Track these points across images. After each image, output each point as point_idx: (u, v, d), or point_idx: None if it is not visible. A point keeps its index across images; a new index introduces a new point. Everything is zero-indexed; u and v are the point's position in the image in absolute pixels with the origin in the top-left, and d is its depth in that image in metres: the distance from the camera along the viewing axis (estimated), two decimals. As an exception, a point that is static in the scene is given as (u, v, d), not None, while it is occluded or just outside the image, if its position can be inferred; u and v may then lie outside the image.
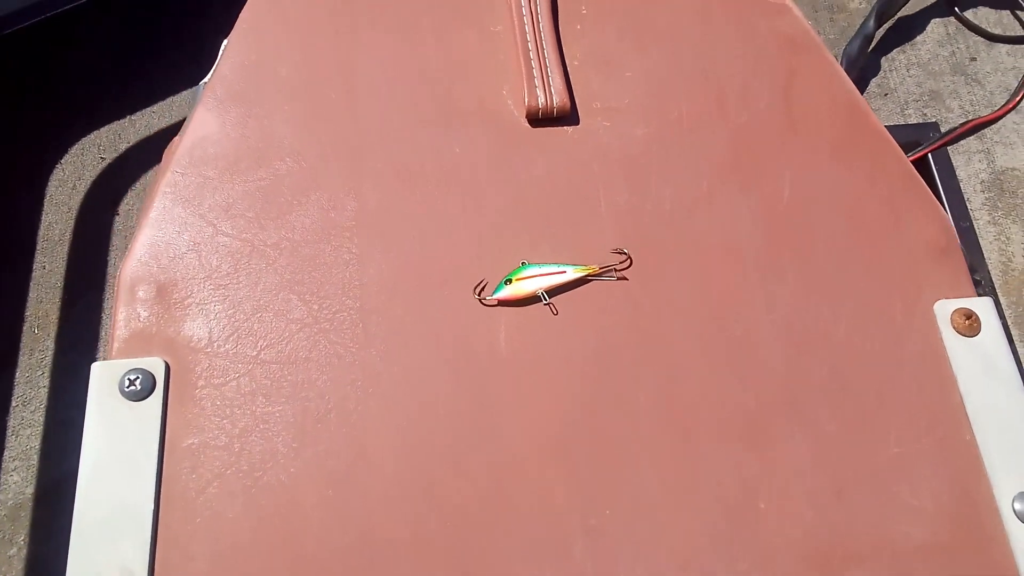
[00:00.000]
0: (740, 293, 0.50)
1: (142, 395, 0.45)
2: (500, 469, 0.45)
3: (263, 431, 0.45)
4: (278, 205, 0.51)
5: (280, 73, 0.55)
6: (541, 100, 0.53)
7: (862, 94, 1.49)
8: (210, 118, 0.53)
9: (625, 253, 0.51)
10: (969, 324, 0.49)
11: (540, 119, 0.54)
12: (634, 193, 0.53)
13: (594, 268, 0.50)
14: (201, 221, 0.50)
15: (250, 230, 0.50)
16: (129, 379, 0.45)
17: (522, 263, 0.50)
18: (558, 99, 0.54)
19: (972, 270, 1.18)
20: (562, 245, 0.51)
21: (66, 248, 1.25)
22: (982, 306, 0.50)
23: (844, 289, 0.51)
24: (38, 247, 1.25)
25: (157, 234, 0.49)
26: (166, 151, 0.57)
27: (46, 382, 1.17)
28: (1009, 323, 1.29)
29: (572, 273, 0.49)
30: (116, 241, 1.25)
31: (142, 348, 0.46)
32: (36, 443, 1.13)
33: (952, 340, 0.49)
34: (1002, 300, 1.31)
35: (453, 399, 0.47)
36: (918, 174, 0.54)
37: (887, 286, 0.51)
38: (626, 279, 0.50)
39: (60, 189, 1.28)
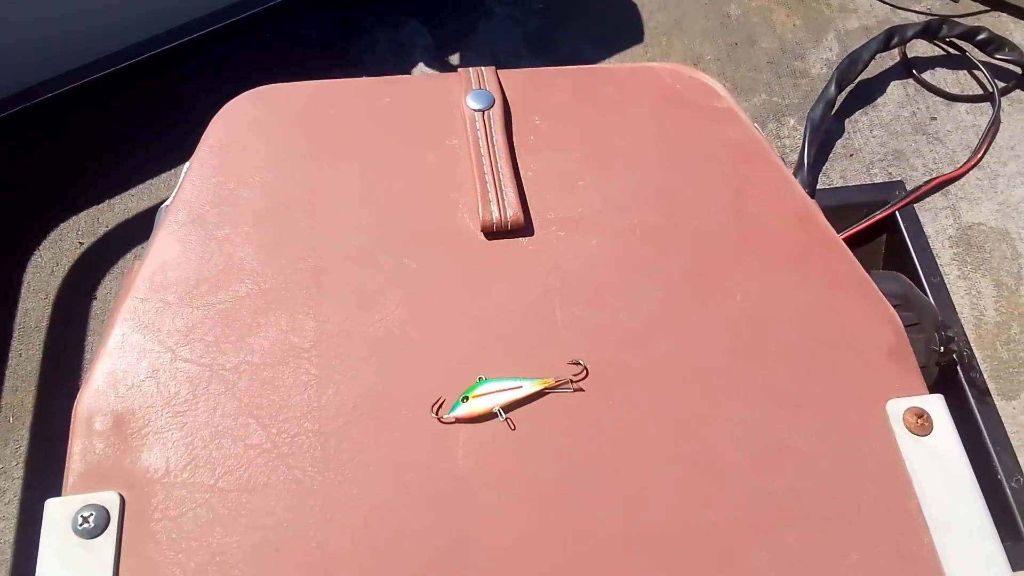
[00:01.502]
0: (698, 407, 0.51)
1: (95, 532, 0.45)
2: None
3: (220, 564, 0.45)
4: (237, 328, 0.51)
5: (241, 196, 0.56)
6: (495, 214, 0.55)
7: (828, 155, 1.53)
8: (171, 242, 0.54)
9: (581, 364, 0.51)
10: (921, 423, 0.50)
11: (495, 232, 0.55)
12: (590, 305, 0.54)
13: (550, 381, 0.51)
14: (160, 347, 0.50)
15: (209, 354, 0.51)
16: (83, 516, 0.45)
17: (479, 379, 0.51)
18: (511, 212, 0.55)
19: (945, 326, 1.20)
20: (520, 360, 0.52)
21: (43, 335, 1.24)
22: (933, 404, 0.51)
23: (801, 400, 0.51)
24: (14, 334, 1.25)
25: (115, 362, 0.50)
26: (126, 277, 0.57)
27: (20, 473, 1.16)
28: (985, 377, 1.30)
29: (529, 387, 0.50)
30: (94, 326, 1.25)
31: (97, 482, 0.46)
32: (9, 536, 1.11)
33: (906, 441, 0.50)
34: (977, 354, 1.33)
35: (412, 521, 0.47)
36: (867, 275, 0.56)
37: (842, 393, 0.52)
38: (583, 390, 0.51)
39: (37, 275, 1.29)
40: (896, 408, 0.51)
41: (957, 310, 1.33)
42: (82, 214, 1.33)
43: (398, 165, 0.58)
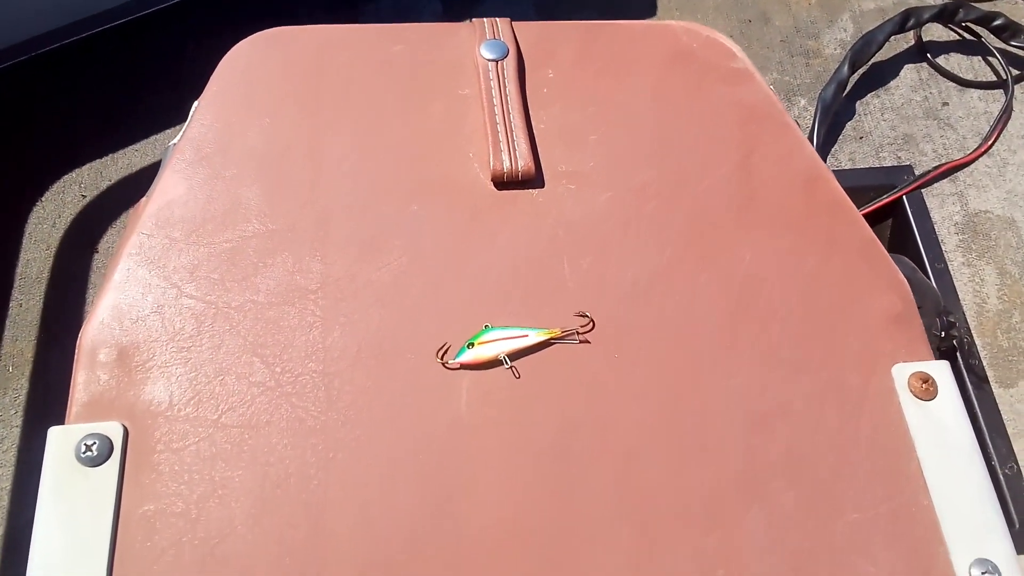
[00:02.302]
0: (697, 365, 0.51)
1: (98, 461, 0.45)
2: (457, 542, 0.45)
3: (221, 497, 0.45)
4: (243, 267, 0.51)
5: (248, 139, 0.56)
6: (506, 164, 0.54)
7: (837, 137, 1.52)
8: (178, 180, 0.53)
9: (588, 316, 0.51)
10: (926, 388, 0.50)
11: (505, 183, 0.55)
12: (597, 259, 0.53)
13: (557, 332, 0.50)
14: (165, 283, 0.50)
15: (215, 292, 0.50)
16: (86, 444, 0.45)
17: (485, 326, 0.50)
18: (523, 162, 0.54)
19: (947, 312, 1.20)
20: (526, 309, 0.51)
21: (43, 286, 1.24)
22: (938, 369, 0.51)
23: (802, 362, 0.51)
24: (15, 284, 1.24)
25: (120, 296, 0.50)
26: (132, 212, 0.57)
27: (19, 421, 1.16)
28: (984, 364, 1.31)
29: (535, 336, 0.50)
30: (95, 279, 1.25)
31: (101, 412, 0.46)
32: (7, 484, 1.12)
33: (909, 404, 0.50)
34: (977, 341, 1.33)
35: (414, 465, 0.47)
36: (877, 239, 0.55)
37: (844, 354, 0.52)
38: (588, 342, 0.51)
39: (39, 226, 1.28)
40: (901, 372, 0.50)
41: (960, 297, 1.33)
42: (85, 167, 1.33)
43: (408, 113, 0.58)
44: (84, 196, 1.30)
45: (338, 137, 0.56)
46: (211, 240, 0.52)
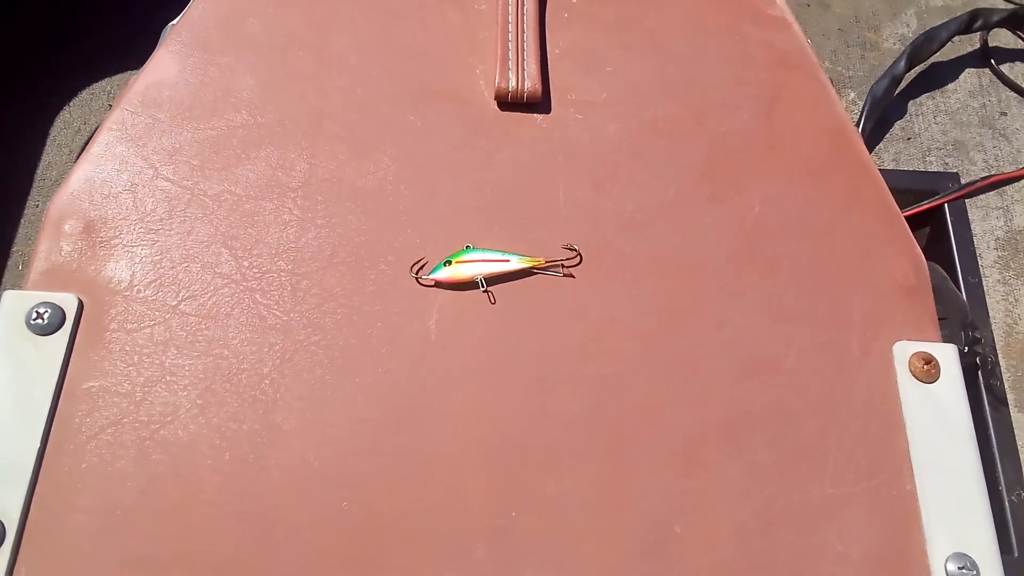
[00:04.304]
0: (692, 306, 0.48)
1: (48, 330, 0.43)
2: (413, 458, 0.43)
3: (169, 383, 0.43)
4: (225, 156, 0.49)
5: (250, 27, 0.53)
6: (512, 83, 0.51)
7: (884, 135, 1.46)
8: (170, 61, 0.51)
9: (575, 250, 0.48)
10: (927, 369, 0.46)
11: (509, 103, 0.52)
12: (597, 191, 0.50)
13: (540, 261, 0.48)
14: (143, 162, 0.48)
15: (192, 178, 0.48)
16: (37, 312, 0.43)
17: (466, 247, 0.48)
18: (530, 84, 0.51)
19: (973, 327, 1.14)
20: (513, 234, 0.49)
21: (61, 190, 1.24)
22: (944, 352, 0.47)
23: (802, 316, 0.48)
24: (34, 186, 1.25)
25: (95, 170, 0.48)
26: (122, 89, 0.55)
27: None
28: (1006, 386, 1.25)
29: (516, 263, 0.47)
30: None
31: (58, 282, 0.45)
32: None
33: (907, 384, 0.46)
34: (1002, 362, 1.27)
35: (374, 376, 0.45)
36: (899, 210, 0.52)
37: (847, 318, 0.48)
38: (573, 277, 0.48)
39: (64, 131, 1.28)
40: (904, 350, 0.47)
41: (990, 314, 1.27)
42: (115, 77, 1.32)
43: (419, 18, 0.55)
44: (110, 106, 1.30)
45: (345, 33, 0.54)
46: (196, 125, 0.50)
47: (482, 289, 0.47)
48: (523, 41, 0.53)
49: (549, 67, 0.54)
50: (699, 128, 0.53)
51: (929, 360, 0.47)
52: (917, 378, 0.46)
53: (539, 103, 0.52)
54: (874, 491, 0.44)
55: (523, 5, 0.54)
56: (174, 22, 0.54)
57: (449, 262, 0.47)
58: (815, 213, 0.51)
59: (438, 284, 0.47)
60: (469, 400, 0.44)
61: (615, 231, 0.49)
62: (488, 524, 0.42)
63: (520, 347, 0.46)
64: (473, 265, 0.47)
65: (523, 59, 0.52)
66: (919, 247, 0.50)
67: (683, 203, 0.50)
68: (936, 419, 0.45)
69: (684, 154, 0.52)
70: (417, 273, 0.47)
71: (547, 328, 0.46)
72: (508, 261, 0.47)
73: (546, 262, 0.48)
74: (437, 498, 0.42)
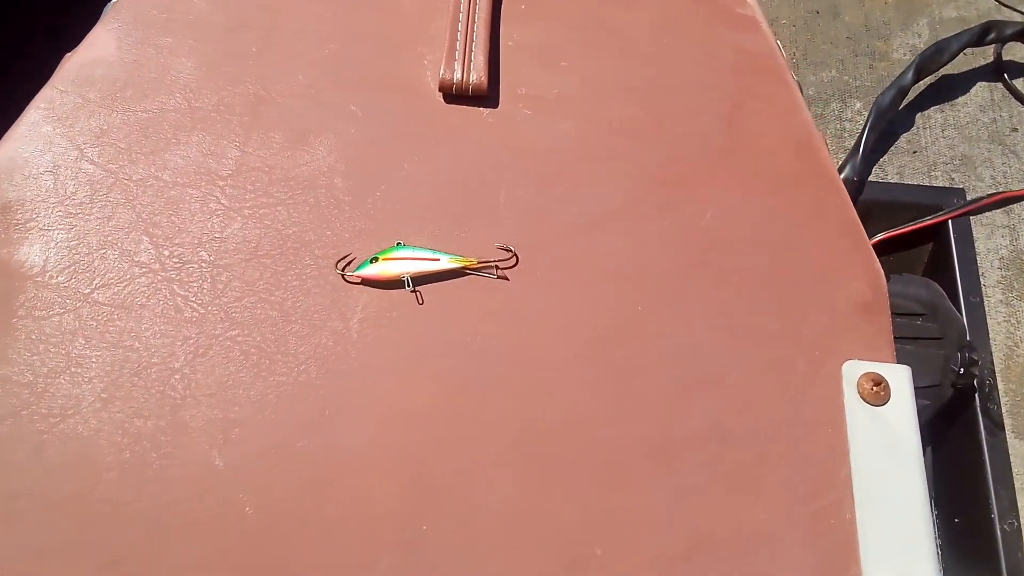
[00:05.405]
0: (632, 316, 0.45)
1: (-50, 314, 0.42)
2: (321, 462, 0.41)
3: (73, 375, 0.42)
4: (155, 140, 0.47)
5: (195, 6, 0.51)
6: (457, 75, 0.49)
7: (889, 148, 1.42)
8: (108, 39, 0.50)
9: (511, 251, 0.46)
10: (876, 391, 0.43)
11: (454, 95, 0.50)
12: (541, 190, 0.48)
13: (472, 261, 0.45)
14: (68, 143, 0.47)
15: (118, 161, 0.47)
16: None
17: (397, 243, 0.46)
18: (475, 76, 0.49)
19: (970, 347, 1.10)
20: (448, 232, 0.47)
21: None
22: (896, 374, 0.44)
23: (749, 331, 0.45)
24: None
25: (18, 149, 0.46)
26: (59, 65, 0.54)
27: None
28: (1003, 410, 1.21)
29: (446, 262, 0.45)
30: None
31: None
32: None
33: (854, 406, 0.43)
34: (1000, 385, 1.23)
35: (289, 374, 0.43)
36: (860, 223, 0.49)
37: (798, 335, 0.45)
38: (507, 279, 0.46)
39: None
40: (852, 370, 0.44)
41: (990, 336, 1.23)
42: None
43: (375, 4, 0.53)
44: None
45: (296, 17, 0.52)
46: (127, 107, 0.48)
47: (409, 289, 0.45)
48: (472, 31, 0.51)
49: (501, 60, 0.51)
50: (658, 131, 0.50)
51: (879, 382, 0.44)
52: (865, 400, 0.43)
53: (486, 97, 0.50)
54: (811, 519, 0.41)
55: None
56: (115, 0, 0.53)
57: (376, 259, 0.45)
58: (773, 224, 0.48)
59: (364, 281, 0.45)
60: (384, 403, 0.42)
61: (556, 233, 0.47)
62: (397, 533, 0.40)
63: (443, 350, 0.44)
64: (401, 263, 0.45)
65: (471, 51, 0.50)
66: (880, 265, 0.48)
67: (632, 208, 0.48)
68: (883, 444, 0.43)
69: (639, 157, 0.50)
70: (343, 269, 0.45)
71: (474, 331, 0.44)
72: (438, 260, 0.45)
73: (479, 263, 0.45)
74: (344, 505, 0.40)
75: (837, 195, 0.49)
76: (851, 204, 0.49)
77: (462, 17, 0.51)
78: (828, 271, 0.47)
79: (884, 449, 0.42)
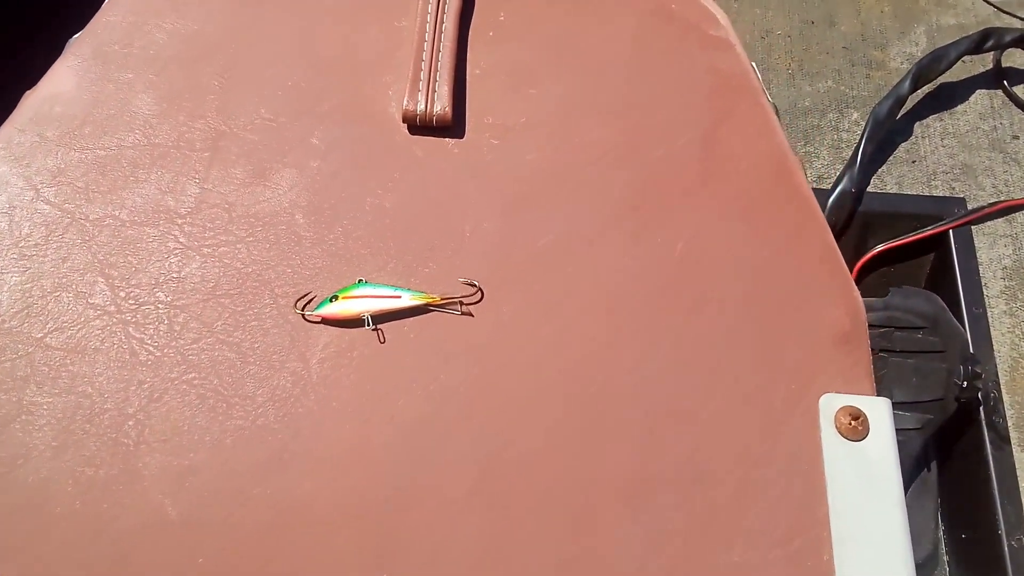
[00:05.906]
0: (601, 349, 0.44)
1: (-101, 361, 0.41)
2: (278, 508, 0.40)
3: (24, 423, 0.41)
4: (112, 179, 0.46)
5: (156, 39, 0.51)
6: (420, 106, 0.48)
7: (887, 158, 1.40)
8: (67, 76, 0.49)
9: (476, 285, 0.45)
10: (854, 426, 0.42)
11: (418, 126, 0.49)
12: (507, 222, 0.47)
13: (436, 298, 0.44)
14: (24, 183, 0.46)
15: (75, 201, 0.46)
16: None
17: (359, 280, 0.45)
18: (440, 107, 0.48)
19: (974, 360, 1.08)
20: (411, 268, 0.45)
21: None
22: (875, 407, 0.42)
23: (724, 364, 0.44)
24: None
25: None
26: (19, 103, 0.53)
27: None
28: (1009, 424, 1.18)
29: (409, 299, 0.44)
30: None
31: None
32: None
33: (832, 441, 0.42)
34: (1005, 398, 1.21)
35: (246, 418, 0.41)
36: (838, 249, 0.47)
37: (774, 367, 0.44)
38: (471, 315, 0.44)
39: None
40: (829, 404, 0.43)
41: (995, 347, 1.21)
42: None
43: (337, 33, 0.52)
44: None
45: (255, 49, 0.51)
46: (85, 145, 0.47)
47: (370, 327, 0.43)
48: (437, 60, 0.50)
49: (468, 88, 0.50)
50: (630, 156, 0.49)
51: (857, 415, 0.42)
52: (843, 435, 0.42)
53: (451, 127, 0.49)
54: (786, 562, 0.39)
55: (441, 21, 0.51)
56: (77, 35, 0.52)
57: (336, 297, 0.44)
58: (749, 252, 0.47)
59: (324, 321, 0.44)
60: (344, 446, 0.41)
61: (523, 266, 0.46)
62: None
63: (407, 391, 0.42)
64: (361, 301, 0.43)
65: (435, 80, 0.49)
66: (859, 293, 0.46)
67: (602, 237, 0.47)
68: (861, 481, 0.41)
69: (610, 184, 0.48)
70: (303, 308, 0.44)
71: (436, 370, 0.43)
72: (399, 298, 0.44)
73: (442, 299, 0.44)
74: (303, 552, 0.39)
75: (814, 219, 0.48)
76: (829, 229, 0.48)
77: (427, 45, 0.50)
78: (805, 299, 0.45)
79: (862, 486, 0.41)
